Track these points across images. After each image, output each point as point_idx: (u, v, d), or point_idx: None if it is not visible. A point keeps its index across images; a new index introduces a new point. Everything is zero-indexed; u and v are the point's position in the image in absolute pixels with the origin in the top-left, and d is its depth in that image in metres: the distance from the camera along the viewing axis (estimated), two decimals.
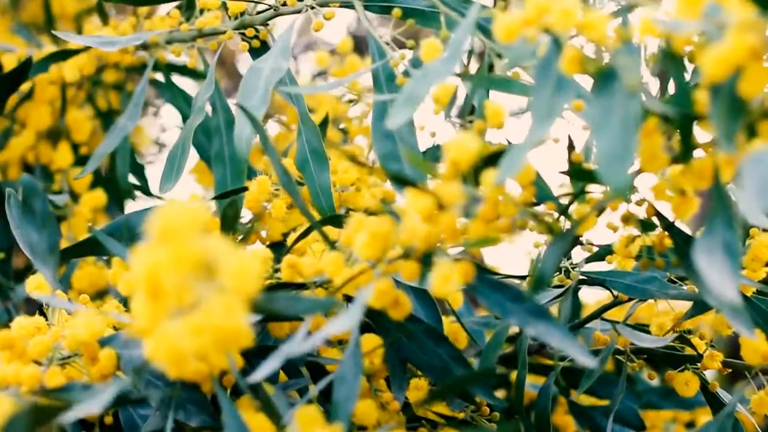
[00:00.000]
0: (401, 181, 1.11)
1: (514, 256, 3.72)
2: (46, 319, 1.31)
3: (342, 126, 2.09)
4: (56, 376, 1.22)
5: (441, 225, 1.07)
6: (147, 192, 2.12)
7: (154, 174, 2.18)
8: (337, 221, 1.27)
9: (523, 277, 1.52)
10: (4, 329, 1.26)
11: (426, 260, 1.14)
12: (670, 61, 1.08)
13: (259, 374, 1.07)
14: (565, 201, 1.29)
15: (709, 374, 1.53)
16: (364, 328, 1.30)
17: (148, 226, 0.95)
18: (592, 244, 1.53)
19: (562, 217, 1.26)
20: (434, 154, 1.67)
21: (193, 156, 1.88)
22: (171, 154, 1.52)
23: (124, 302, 1.40)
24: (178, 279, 0.94)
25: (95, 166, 1.77)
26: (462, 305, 1.81)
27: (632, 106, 1.01)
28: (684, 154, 1.11)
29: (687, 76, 1.10)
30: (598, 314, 1.65)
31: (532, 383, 1.83)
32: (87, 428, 1.29)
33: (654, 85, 1.20)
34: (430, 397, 1.16)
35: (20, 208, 1.38)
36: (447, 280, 1.06)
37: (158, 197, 1.93)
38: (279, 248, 1.32)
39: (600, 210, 1.21)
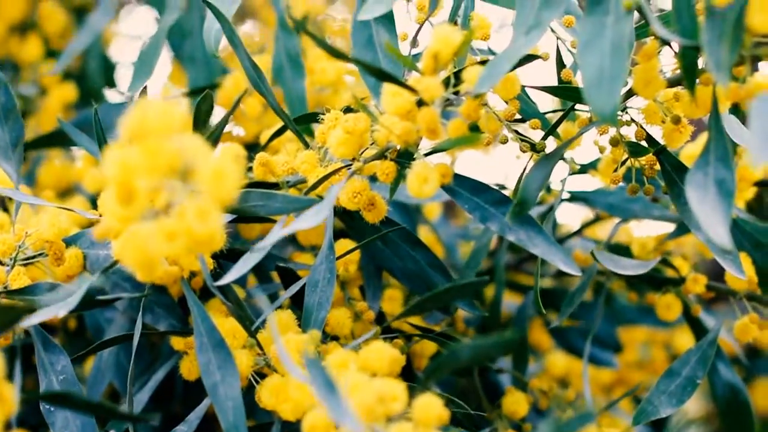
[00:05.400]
0: (379, 75, 1.05)
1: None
2: (9, 218, 1.26)
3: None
4: (21, 276, 1.18)
5: (421, 121, 1.02)
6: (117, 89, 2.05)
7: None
8: (313, 119, 1.23)
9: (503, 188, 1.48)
10: None
11: (403, 160, 1.10)
12: None
13: (230, 276, 1.03)
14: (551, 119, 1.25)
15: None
16: (339, 236, 1.27)
17: (122, 125, 0.88)
18: (575, 162, 1.50)
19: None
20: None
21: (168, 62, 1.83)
22: (143, 51, 1.46)
23: (92, 200, 1.35)
24: (152, 182, 0.88)
25: (66, 63, 1.72)
26: (438, 218, 1.78)
27: (625, 27, 0.95)
28: (688, 84, 1.06)
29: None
30: (578, 231, 1.63)
31: (506, 301, 1.81)
32: (50, 332, 1.26)
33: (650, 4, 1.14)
34: (410, 309, 1.13)
35: None
36: (425, 180, 1.02)
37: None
38: (253, 149, 1.27)
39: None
